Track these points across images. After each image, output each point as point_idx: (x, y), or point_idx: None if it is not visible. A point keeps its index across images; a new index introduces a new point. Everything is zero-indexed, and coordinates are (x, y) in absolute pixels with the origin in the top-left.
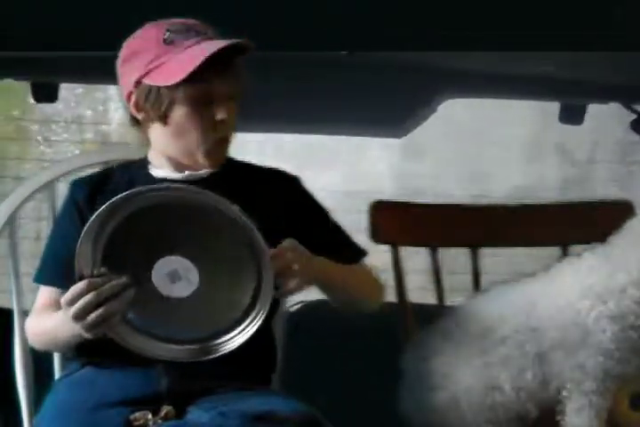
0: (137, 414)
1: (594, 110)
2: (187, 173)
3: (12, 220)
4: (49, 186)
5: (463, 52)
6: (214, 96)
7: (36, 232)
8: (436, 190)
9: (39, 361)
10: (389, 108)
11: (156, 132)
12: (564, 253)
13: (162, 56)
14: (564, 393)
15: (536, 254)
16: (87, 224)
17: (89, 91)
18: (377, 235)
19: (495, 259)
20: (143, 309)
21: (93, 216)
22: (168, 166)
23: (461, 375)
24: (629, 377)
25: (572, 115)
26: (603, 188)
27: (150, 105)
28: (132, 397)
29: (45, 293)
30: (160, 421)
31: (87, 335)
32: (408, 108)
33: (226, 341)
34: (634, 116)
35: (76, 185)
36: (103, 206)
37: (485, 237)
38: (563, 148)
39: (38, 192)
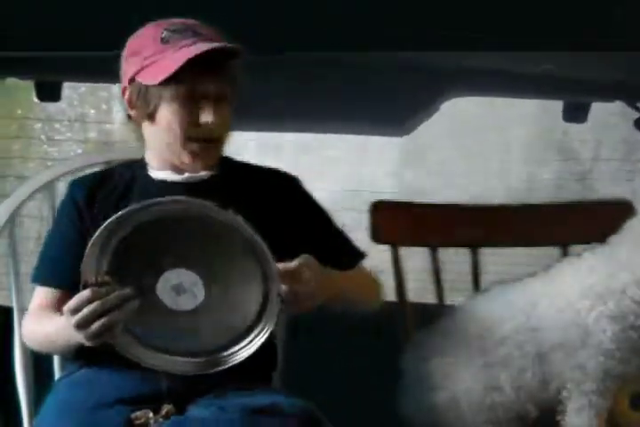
0: (138, 413)
1: (598, 108)
2: (186, 175)
3: (12, 219)
4: (50, 186)
5: (464, 52)
6: (201, 97)
7: (38, 232)
8: (436, 190)
9: (39, 361)
10: (393, 106)
11: (147, 129)
12: (564, 253)
13: (156, 55)
14: (564, 393)
15: (536, 254)
16: (94, 235)
17: (92, 90)
18: (377, 235)
19: (495, 259)
20: (147, 321)
21: (101, 227)
22: (167, 168)
23: (461, 375)
24: (630, 377)
25: (575, 113)
26: (606, 186)
27: (140, 102)
28: (132, 396)
29: (42, 293)
30: (161, 419)
31: (88, 344)
32: (411, 106)
33: (232, 353)
34: (638, 115)
35: (76, 185)
36: (111, 218)
37: (485, 237)
38: (566, 146)
39: (39, 192)
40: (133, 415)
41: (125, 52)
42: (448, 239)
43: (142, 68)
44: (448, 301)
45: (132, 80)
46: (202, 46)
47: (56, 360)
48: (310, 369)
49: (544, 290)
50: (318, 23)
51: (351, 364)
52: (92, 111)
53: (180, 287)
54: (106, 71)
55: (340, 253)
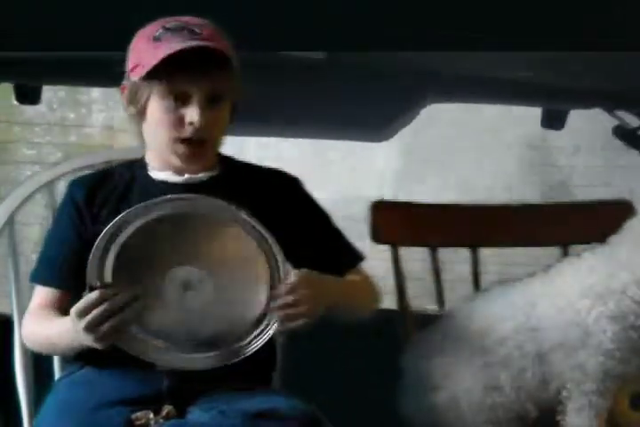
0: (138, 414)
1: (577, 115)
2: (186, 176)
3: (11, 220)
4: (49, 186)
5: (454, 53)
6: (187, 96)
7: (39, 233)
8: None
9: (39, 361)
10: (370, 112)
11: (142, 127)
12: (564, 253)
13: (145, 52)
14: (564, 393)
15: (536, 254)
16: (98, 238)
17: (72, 93)
18: (377, 235)
19: (495, 259)
20: (157, 320)
21: (105, 229)
22: (167, 169)
23: (461, 375)
24: (629, 377)
25: (553, 120)
26: (585, 192)
27: (132, 99)
28: (133, 397)
29: (41, 293)
30: (161, 420)
31: (97, 346)
32: (390, 112)
33: (247, 343)
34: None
35: (75, 185)
36: (114, 220)
37: (485, 237)
38: (546, 152)
39: (38, 192)
40: (134, 416)
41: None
42: (448, 239)
43: (135, 66)
44: (448, 301)
45: (127, 78)
46: (184, 44)
47: (56, 360)
48: (310, 369)
49: (544, 290)
50: (318, 23)
51: (351, 363)
52: (72, 115)
53: (188, 284)
54: (87, 74)
55: (339, 253)
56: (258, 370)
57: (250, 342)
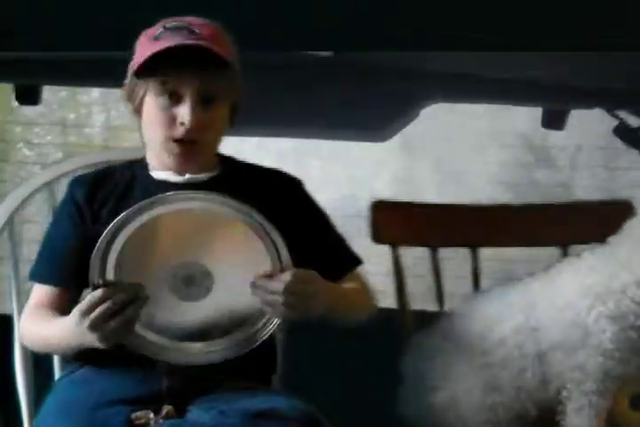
0: (138, 413)
1: (578, 115)
2: (187, 176)
3: (11, 220)
4: (49, 186)
5: (454, 53)
6: (181, 96)
7: (40, 233)
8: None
9: (39, 361)
10: (370, 112)
11: (141, 125)
12: (564, 253)
13: (144, 49)
14: (564, 393)
15: (536, 254)
16: (100, 238)
17: (72, 94)
18: (377, 235)
19: (495, 259)
20: (160, 316)
21: (106, 230)
22: (167, 168)
23: (461, 375)
24: (629, 377)
25: (554, 120)
26: (585, 192)
27: (130, 96)
28: (133, 396)
29: (40, 291)
30: (161, 420)
31: (101, 346)
32: (390, 112)
33: (244, 341)
34: (617, 122)
35: (76, 183)
36: (115, 220)
37: (485, 237)
38: (546, 152)
39: (38, 193)
40: (134, 415)
41: None
42: (448, 239)
43: (133, 64)
44: (447, 301)
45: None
46: (175, 43)
47: (56, 360)
48: (310, 370)
49: (544, 290)
50: (318, 23)
51: (351, 364)
52: (72, 115)
53: (190, 279)
54: (87, 75)
55: (337, 257)
56: (257, 371)
57: (251, 337)
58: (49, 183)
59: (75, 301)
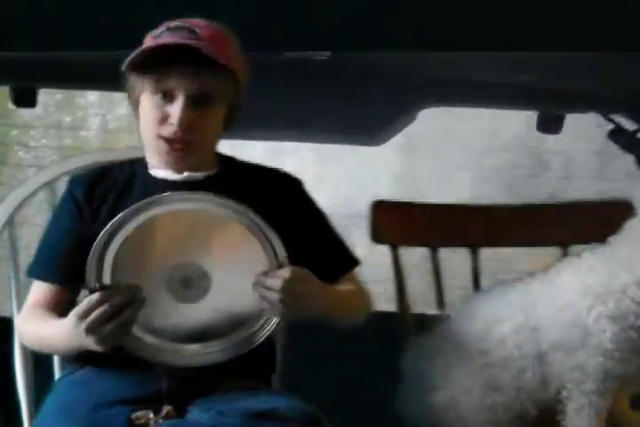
0: (139, 413)
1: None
2: (186, 174)
3: (11, 220)
4: (49, 186)
5: (454, 54)
6: (173, 95)
7: (40, 234)
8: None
9: (39, 361)
10: (366, 116)
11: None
12: (564, 253)
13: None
14: (564, 393)
15: (536, 254)
16: (96, 240)
17: (69, 96)
18: (377, 235)
19: (495, 259)
20: (157, 318)
21: (102, 231)
22: (166, 166)
23: (461, 376)
24: (629, 377)
25: (549, 124)
26: (586, 193)
27: (129, 94)
28: (133, 396)
29: (38, 289)
30: (161, 420)
31: (98, 349)
32: (386, 116)
33: (243, 341)
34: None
35: (75, 181)
36: (112, 221)
37: (485, 237)
38: (540, 156)
39: (38, 192)
40: (134, 415)
41: None
42: (448, 239)
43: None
44: (447, 301)
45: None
46: (167, 41)
47: (56, 360)
48: (309, 370)
49: (544, 290)
50: (318, 23)
51: (350, 364)
52: (68, 118)
53: (187, 281)
54: (83, 77)
55: (334, 257)
56: (257, 371)
57: (250, 338)
58: (49, 183)
59: (72, 300)
